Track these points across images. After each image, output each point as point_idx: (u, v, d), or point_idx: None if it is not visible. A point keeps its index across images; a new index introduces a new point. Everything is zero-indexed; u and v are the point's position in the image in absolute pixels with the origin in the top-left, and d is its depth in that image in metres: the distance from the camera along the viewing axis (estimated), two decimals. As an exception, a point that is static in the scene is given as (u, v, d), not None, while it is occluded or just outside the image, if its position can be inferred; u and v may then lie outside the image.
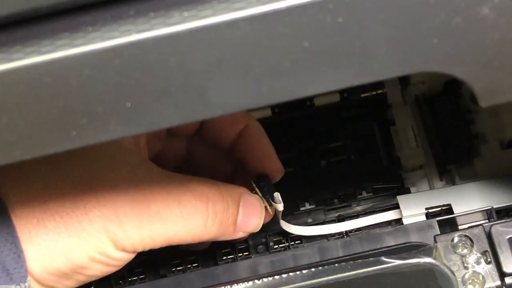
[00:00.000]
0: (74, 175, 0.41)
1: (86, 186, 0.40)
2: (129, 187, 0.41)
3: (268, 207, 0.47)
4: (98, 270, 0.41)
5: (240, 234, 0.46)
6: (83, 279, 0.42)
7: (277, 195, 0.48)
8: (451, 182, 0.57)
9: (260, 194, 0.47)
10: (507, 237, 0.45)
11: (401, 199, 0.52)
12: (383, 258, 0.43)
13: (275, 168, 0.49)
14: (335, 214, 0.54)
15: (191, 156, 0.51)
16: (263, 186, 0.47)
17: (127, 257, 0.42)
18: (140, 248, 0.41)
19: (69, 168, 0.40)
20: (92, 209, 0.40)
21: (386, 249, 0.47)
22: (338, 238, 0.51)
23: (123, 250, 0.41)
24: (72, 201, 0.40)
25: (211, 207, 0.43)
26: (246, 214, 0.46)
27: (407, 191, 0.54)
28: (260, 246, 0.52)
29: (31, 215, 0.39)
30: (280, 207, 0.48)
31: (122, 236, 0.40)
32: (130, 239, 0.40)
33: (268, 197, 0.47)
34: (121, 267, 0.43)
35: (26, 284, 0.39)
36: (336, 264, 0.43)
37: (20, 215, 0.39)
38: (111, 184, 0.41)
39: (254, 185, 0.47)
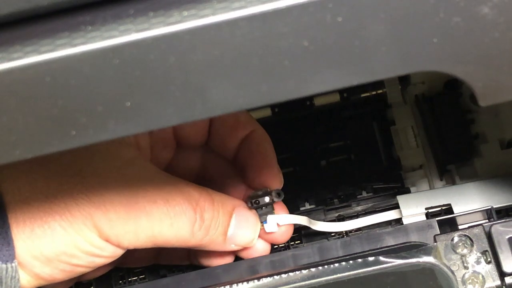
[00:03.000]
0: (65, 160, 0.41)
1: (76, 172, 0.40)
2: (119, 180, 0.41)
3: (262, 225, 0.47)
4: (83, 260, 0.41)
5: (232, 247, 0.46)
6: (68, 268, 0.41)
7: (272, 217, 0.47)
8: (451, 182, 0.57)
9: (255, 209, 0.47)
10: (507, 237, 0.45)
11: (401, 199, 0.52)
12: (383, 258, 0.43)
13: (273, 177, 0.48)
14: (335, 214, 0.54)
15: (205, 171, 0.51)
16: (258, 202, 0.47)
17: (112, 250, 0.41)
18: (124, 243, 0.41)
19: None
20: (79, 193, 0.40)
21: (386, 249, 0.47)
22: (338, 238, 0.51)
23: (107, 240, 0.41)
24: (60, 184, 0.40)
25: (199, 212, 0.43)
26: (239, 227, 0.46)
27: (407, 191, 0.54)
28: (260, 246, 0.52)
29: (18, 194, 0.39)
30: (268, 228, 0.47)
31: (107, 224, 0.40)
32: (114, 229, 0.40)
33: (260, 215, 0.47)
34: (107, 262, 0.42)
35: (13, 264, 0.38)
36: (336, 264, 0.43)
37: (10, 197, 0.39)
38: (101, 174, 0.41)
39: (250, 200, 0.47)
